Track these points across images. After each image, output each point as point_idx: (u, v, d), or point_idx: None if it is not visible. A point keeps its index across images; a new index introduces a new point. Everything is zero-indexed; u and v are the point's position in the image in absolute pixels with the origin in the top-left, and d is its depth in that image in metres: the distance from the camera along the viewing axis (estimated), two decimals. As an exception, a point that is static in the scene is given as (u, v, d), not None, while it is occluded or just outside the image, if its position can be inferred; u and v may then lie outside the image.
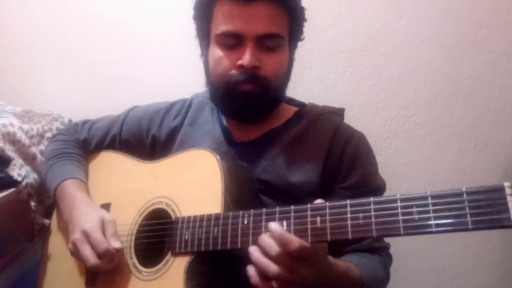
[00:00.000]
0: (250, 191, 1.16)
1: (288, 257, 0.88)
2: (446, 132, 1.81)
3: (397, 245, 1.82)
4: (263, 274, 0.91)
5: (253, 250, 0.93)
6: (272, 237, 0.90)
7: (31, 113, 1.64)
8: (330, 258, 0.96)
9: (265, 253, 0.91)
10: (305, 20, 1.25)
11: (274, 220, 0.95)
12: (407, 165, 1.82)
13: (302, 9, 1.23)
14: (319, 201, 0.93)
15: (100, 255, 1.10)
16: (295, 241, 0.88)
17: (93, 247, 1.10)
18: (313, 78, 1.79)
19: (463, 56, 1.79)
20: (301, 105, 1.36)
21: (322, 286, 0.96)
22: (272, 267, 0.89)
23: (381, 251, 1.22)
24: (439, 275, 1.85)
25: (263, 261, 0.91)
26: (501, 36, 1.78)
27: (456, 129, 1.81)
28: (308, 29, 1.28)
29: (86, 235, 1.12)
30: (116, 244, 1.11)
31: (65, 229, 1.29)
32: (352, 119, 1.71)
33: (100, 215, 1.17)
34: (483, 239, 1.84)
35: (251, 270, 0.94)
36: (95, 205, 1.27)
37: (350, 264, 1.07)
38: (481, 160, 1.82)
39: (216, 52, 1.18)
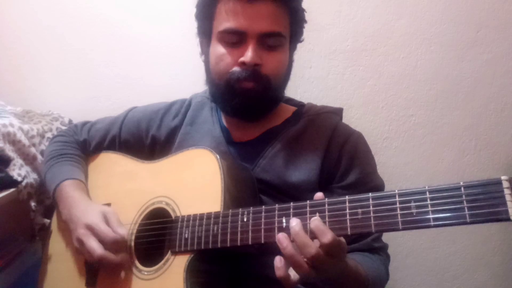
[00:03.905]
0: (249, 190, 1.16)
1: (323, 255, 0.87)
2: (446, 132, 1.81)
3: (397, 245, 1.82)
4: (293, 267, 0.91)
5: (286, 245, 0.90)
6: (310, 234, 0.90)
7: (31, 113, 1.64)
8: None
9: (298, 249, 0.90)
10: (305, 21, 1.27)
11: (273, 217, 0.95)
12: (407, 165, 1.82)
13: (303, 10, 1.25)
14: (319, 195, 0.94)
15: (107, 245, 1.10)
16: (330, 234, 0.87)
17: (99, 238, 1.11)
18: (313, 78, 1.79)
19: (463, 56, 1.78)
20: (299, 105, 1.37)
21: (335, 282, 0.96)
22: (305, 266, 0.88)
23: (380, 251, 1.21)
24: (439, 275, 1.85)
25: (299, 258, 0.89)
26: (501, 36, 1.78)
27: (456, 129, 1.81)
28: (308, 29, 1.29)
29: (91, 229, 1.13)
30: (122, 231, 1.12)
31: (65, 230, 1.30)
32: (352, 119, 1.71)
33: (100, 209, 1.18)
34: (483, 239, 1.84)
35: (279, 262, 0.92)
36: (93, 202, 1.27)
37: (356, 263, 1.07)
38: (481, 160, 1.82)
39: (218, 49, 1.18)
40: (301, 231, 0.89)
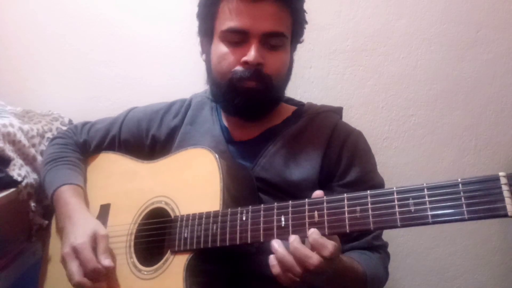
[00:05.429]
0: (248, 189, 1.16)
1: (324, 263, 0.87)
2: (446, 132, 1.81)
3: (397, 245, 1.82)
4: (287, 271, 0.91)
5: (277, 246, 0.92)
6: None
7: (31, 113, 1.64)
8: None
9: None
10: (306, 22, 1.27)
11: (272, 215, 0.95)
12: (407, 165, 1.82)
13: (304, 11, 1.25)
14: (318, 193, 0.94)
15: (87, 274, 1.08)
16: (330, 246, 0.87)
17: (81, 264, 1.09)
18: (313, 78, 1.79)
19: (463, 56, 1.78)
20: (299, 105, 1.37)
21: (330, 282, 0.96)
22: (298, 269, 0.89)
23: (380, 249, 1.21)
24: (439, 275, 1.85)
25: (290, 260, 0.90)
26: (501, 36, 1.78)
27: (456, 129, 1.81)
28: (308, 29, 1.29)
29: (76, 252, 1.11)
30: (106, 262, 1.09)
31: (64, 232, 1.30)
32: (352, 119, 1.71)
33: (93, 229, 1.15)
34: (483, 239, 1.84)
35: (273, 259, 0.92)
36: (89, 214, 1.25)
37: (353, 260, 1.07)
38: (481, 160, 1.82)
39: (221, 48, 1.18)
40: (299, 245, 0.89)
